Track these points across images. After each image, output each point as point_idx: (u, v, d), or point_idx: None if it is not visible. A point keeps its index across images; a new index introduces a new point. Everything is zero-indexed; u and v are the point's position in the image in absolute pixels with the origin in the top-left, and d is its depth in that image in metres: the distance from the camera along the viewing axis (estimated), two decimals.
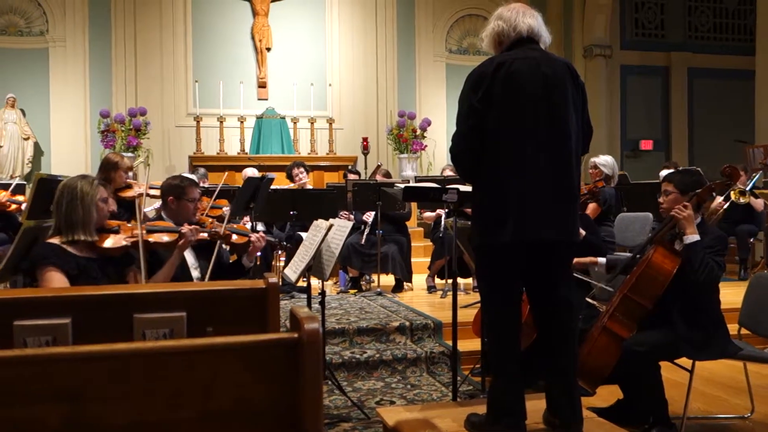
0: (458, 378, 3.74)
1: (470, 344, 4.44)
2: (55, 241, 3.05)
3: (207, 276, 3.62)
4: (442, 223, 6.55)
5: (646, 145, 12.93)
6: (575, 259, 3.69)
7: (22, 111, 10.38)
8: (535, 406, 2.77)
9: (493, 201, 2.67)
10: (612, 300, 3.38)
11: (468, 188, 3.29)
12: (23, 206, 5.28)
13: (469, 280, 6.73)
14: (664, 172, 6.56)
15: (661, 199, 3.48)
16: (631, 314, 3.24)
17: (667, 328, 3.20)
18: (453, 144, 2.77)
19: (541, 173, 2.61)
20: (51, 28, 10.65)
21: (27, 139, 10.33)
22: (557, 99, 2.65)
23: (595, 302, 3.72)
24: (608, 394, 3.57)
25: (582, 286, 3.72)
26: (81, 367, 1.43)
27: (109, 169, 5.02)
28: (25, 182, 7.66)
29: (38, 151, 10.57)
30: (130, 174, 5.16)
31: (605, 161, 5.57)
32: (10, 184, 5.94)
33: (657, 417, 3.18)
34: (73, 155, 10.50)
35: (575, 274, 3.61)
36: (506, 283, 2.71)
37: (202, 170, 8.09)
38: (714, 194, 4.21)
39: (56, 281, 2.90)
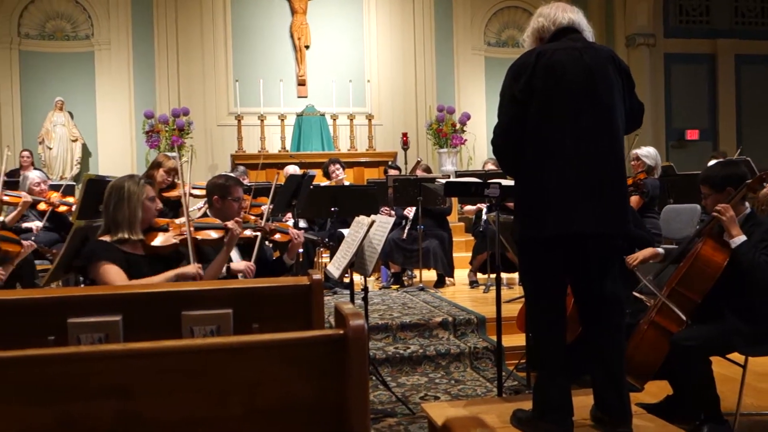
0: (503, 373, 3.71)
1: (514, 339, 4.40)
2: (106, 239, 3.13)
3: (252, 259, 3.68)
4: (483, 216, 6.51)
5: (692, 134, 12.62)
6: (640, 256, 3.62)
7: (70, 113, 10.66)
8: (582, 401, 2.73)
9: (535, 194, 2.63)
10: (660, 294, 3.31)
11: (510, 182, 3.26)
12: (73, 208, 5.43)
13: (512, 275, 6.68)
14: (712, 162, 6.40)
15: (703, 202, 3.41)
16: (680, 308, 3.17)
17: (717, 322, 3.12)
18: (494, 136, 2.75)
19: (584, 164, 2.57)
20: (96, 32, 10.90)
21: (75, 140, 10.61)
22: (601, 88, 2.61)
23: (642, 296, 3.64)
24: (658, 390, 3.50)
25: (628, 280, 3.65)
26: (132, 364, 1.47)
27: (152, 167, 5.15)
28: (74, 183, 7.87)
29: (86, 153, 10.84)
30: (179, 175, 5.26)
31: (647, 152, 5.47)
32: (61, 185, 6.10)
33: (708, 413, 3.11)
34: (119, 156, 10.74)
35: (636, 272, 3.55)
36: (550, 278, 2.67)
37: (241, 168, 8.19)
38: (765, 184, 4.09)
39: (113, 273, 2.97)
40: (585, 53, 2.63)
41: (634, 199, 5.14)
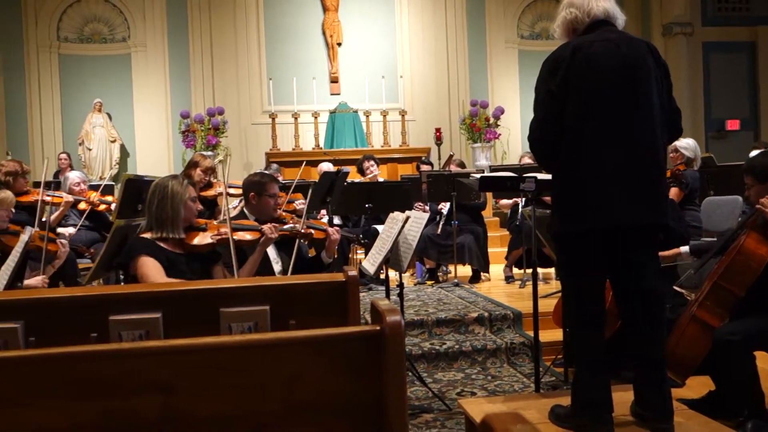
0: (540, 369, 3.68)
1: (551, 335, 4.37)
2: (147, 236, 3.19)
3: (289, 271, 3.70)
4: (520, 211, 6.45)
5: (733, 125, 12.33)
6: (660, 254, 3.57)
7: (109, 115, 10.85)
8: (622, 397, 2.69)
9: (573, 188, 2.60)
10: (701, 288, 3.25)
11: (546, 176, 3.22)
12: (112, 206, 5.53)
13: (548, 270, 6.62)
14: (754, 153, 6.24)
15: (746, 193, 3.33)
16: (722, 302, 3.10)
17: (761, 317, 3.05)
18: (530, 131, 2.72)
19: (624, 157, 2.53)
20: (132, 34, 11.07)
21: (113, 141, 10.80)
22: (638, 80, 2.56)
23: (682, 290, 3.58)
24: (699, 386, 3.43)
25: (668, 274, 3.58)
26: (173, 360, 1.49)
27: (189, 167, 5.23)
28: (113, 183, 8.02)
29: (124, 153, 11.03)
30: (217, 174, 5.33)
31: (686, 144, 5.37)
32: (100, 185, 6.22)
33: (752, 409, 3.04)
34: (156, 156, 10.90)
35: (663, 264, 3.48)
36: (589, 272, 2.63)
37: (274, 166, 8.25)
38: None
39: (151, 266, 3.03)
40: (622, 44, 2.58)
41: (673, 191, 5.06)
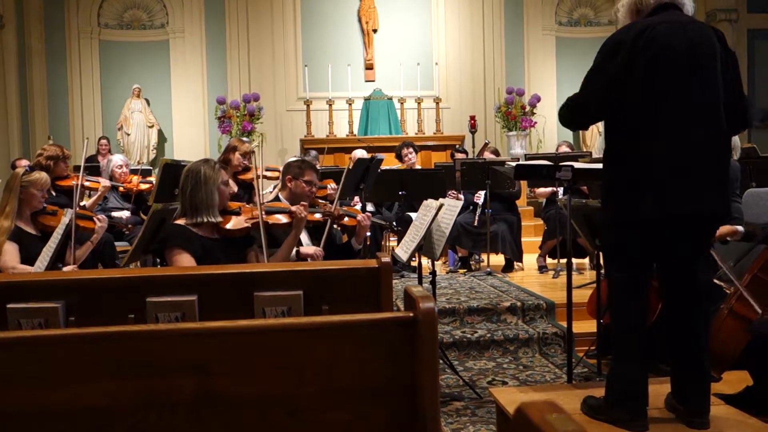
0: (573, 360, 3.65)
1: (584, 326, 4.32)
2: (181, 222, 3.21)
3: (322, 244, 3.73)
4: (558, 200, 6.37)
5: None
6: (717, 234, 3.47)
7: (147, 100, 11.01)
8: (656, 390, 2.66)
9: (633, 175, 2.50)
10: (741, 281, 3.18)
11: (584, 165, 3.18)
12: (153, 182, 5.61)
13: (583, 260, 6.54)
14: None
15: None
16: (762, 295, 3.04)
17: None
18: (564, 105, 2.65)
19: (688, 143, 2.43)
20: (171, 21, 11.21)
21: (151, 126, 10.96)
22: (705, 64, 2.47)
23: (721, 283, 3.50)
24: (737, 381, 3.37)
25: (709, 266, 3.51)
26: (209, 342, 1.51)
27: (228, 152, 5.29)
28: (150, 168, 8.14)
29: (162, 138, 11.19)
30: (252, 159, 5.38)
31: None
32: (139, 169, 6.32)
33: None
34: (193, 141, 11.05)
35: (715, 258, 3.41)
36: (641, 263, 2.56)
37: (313, 152, 8.26)
38: None
39: (184, 261, 3.06)
40: (688, 27, 2.50)
41: None
